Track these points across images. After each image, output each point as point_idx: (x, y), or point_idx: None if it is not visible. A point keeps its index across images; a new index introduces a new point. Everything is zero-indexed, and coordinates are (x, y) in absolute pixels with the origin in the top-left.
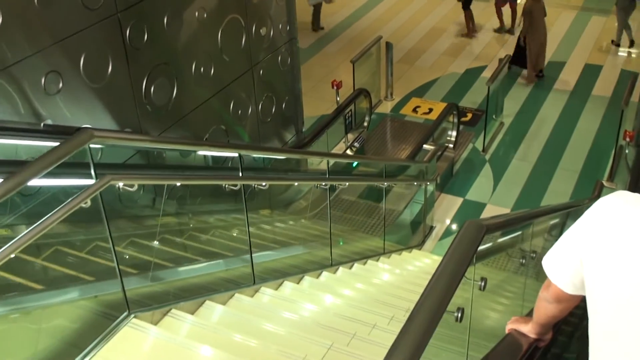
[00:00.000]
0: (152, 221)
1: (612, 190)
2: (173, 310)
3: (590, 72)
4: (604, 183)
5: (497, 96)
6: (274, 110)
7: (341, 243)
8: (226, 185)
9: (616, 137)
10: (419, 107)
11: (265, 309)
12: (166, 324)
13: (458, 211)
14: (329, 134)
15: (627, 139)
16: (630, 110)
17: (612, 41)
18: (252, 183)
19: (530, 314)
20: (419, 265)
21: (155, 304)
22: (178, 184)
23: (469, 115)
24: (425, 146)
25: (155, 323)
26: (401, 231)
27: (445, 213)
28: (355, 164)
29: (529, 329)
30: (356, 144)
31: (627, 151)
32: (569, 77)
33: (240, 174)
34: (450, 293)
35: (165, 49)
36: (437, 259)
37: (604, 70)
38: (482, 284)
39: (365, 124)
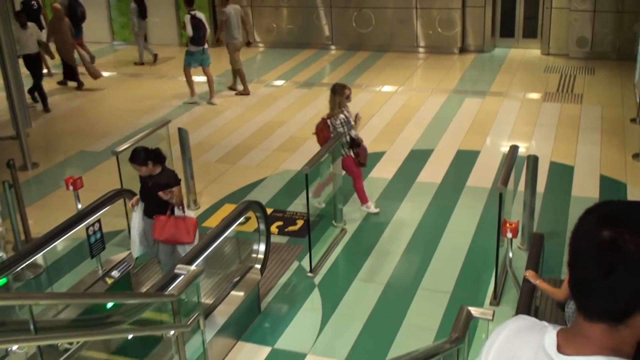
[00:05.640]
0: None
1: (487, 321)
2: None
3: (465, 160)
4: (472, 311)
5: (335, 194)
6: None
7: None
8: None
9: (497, 236)
10: None
11: None
12: None
13: None
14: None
15: (509, 235)
16: (518, 195)
17: None
18: None
19: None
20: None
21: None
22: None
23: (299, 223)
24: (179, 268)
25: None
26: None
27: None
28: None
29: None
30: (115, 273)
31: (510, 255)
32: (436, 167)
33: None
34: None
35: None
36: None
37: (482, 157)
38: None
39: None
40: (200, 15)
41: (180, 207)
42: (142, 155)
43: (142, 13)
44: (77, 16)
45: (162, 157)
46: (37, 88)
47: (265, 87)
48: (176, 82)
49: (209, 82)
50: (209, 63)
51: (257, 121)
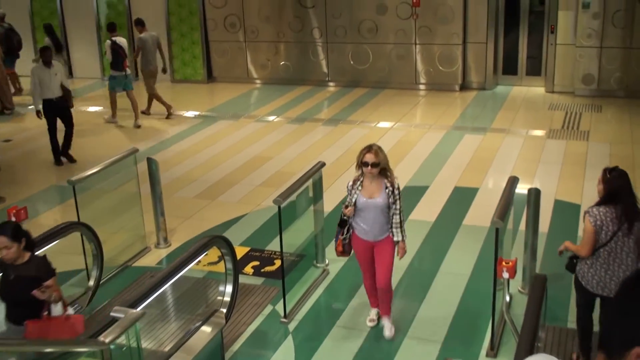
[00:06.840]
0: None
1: None
2: None
3: (463, 197)
4: None
5: (317, 233)
6: None
7: None
8: None
9: (493, 277)
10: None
11: None
12: None
13: None
14: None
15: (506, 275)
16: (519, 235)
17: None
18: None
19: None
20: None
21: None
22: None
23: (277, 263)
24: (117, 311)
25: None
26: None
27: None
28: None
29: None
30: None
31: (507, 298)
32: (431, 204)
33: None
34: None
35: None
36: None
37: (480, 194)
38: None
39: (90, 283)
40: (121, 41)
41: (62, 304)
42: (14, 228)
43: (57, 47)
44: (13, 45)
45: (33, 242)
46: (51, 141)
47: (255, 122)
48: (160, 116)
49: (133, 105)
50: (131, 87)
51: (243, 156)
